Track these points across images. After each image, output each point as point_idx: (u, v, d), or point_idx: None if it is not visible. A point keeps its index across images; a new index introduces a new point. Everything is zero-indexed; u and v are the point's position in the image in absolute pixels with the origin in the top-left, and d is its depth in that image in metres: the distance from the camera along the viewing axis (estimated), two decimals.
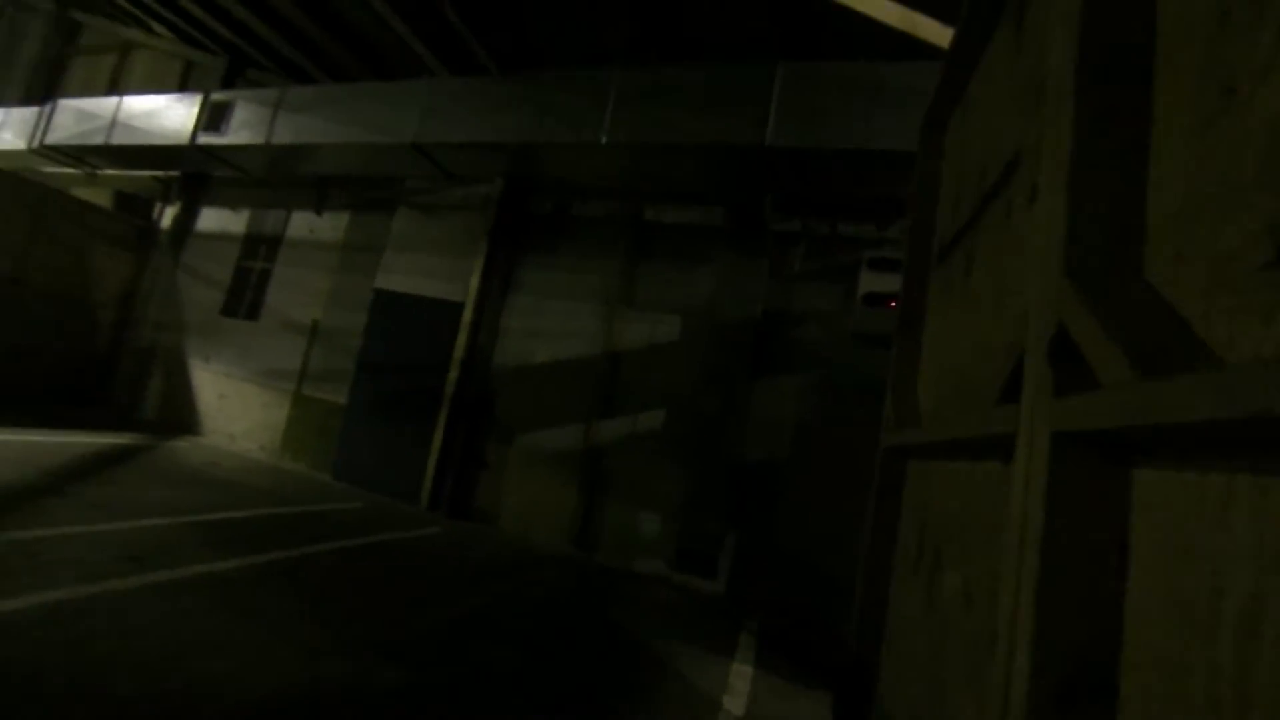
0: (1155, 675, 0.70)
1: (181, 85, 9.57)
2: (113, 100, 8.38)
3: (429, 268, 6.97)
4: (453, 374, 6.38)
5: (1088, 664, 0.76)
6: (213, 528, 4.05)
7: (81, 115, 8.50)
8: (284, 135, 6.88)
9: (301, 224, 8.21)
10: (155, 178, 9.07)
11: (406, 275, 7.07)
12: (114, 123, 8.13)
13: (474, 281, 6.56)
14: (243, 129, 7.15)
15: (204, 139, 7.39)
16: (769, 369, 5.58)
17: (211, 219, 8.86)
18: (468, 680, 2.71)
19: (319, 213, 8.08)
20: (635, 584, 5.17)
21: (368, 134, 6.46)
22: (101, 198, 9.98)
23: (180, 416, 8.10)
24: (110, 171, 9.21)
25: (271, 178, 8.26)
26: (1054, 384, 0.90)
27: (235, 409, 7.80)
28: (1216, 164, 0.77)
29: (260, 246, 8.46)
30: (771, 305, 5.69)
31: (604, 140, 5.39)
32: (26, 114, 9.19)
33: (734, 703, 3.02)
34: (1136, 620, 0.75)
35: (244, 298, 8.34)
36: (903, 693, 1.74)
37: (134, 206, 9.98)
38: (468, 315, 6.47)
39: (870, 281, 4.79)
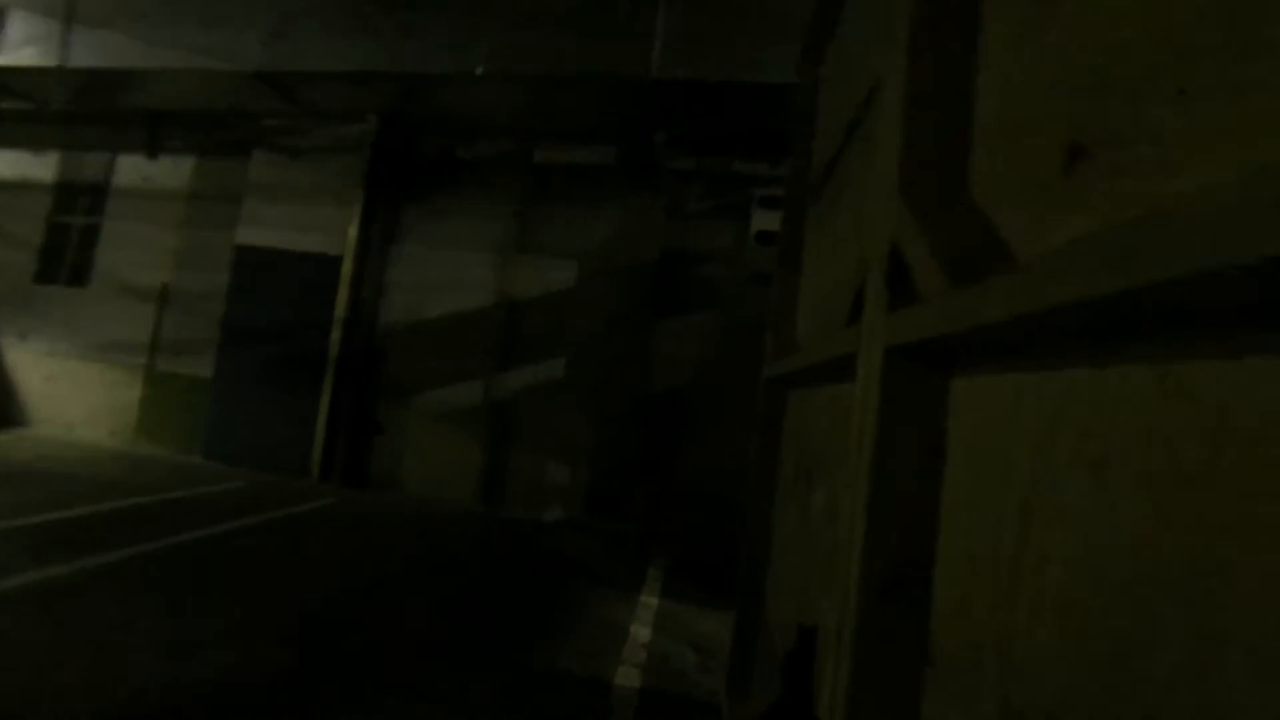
0: (959, 566, 0.75)
1: None
2: None
3: (299, 219, 6.23)
4: (335, 334, 5.87)
5: (907, 563, 0.81)
6: (40, 530, 3.50)
7: None
8: (83, 57, 5.69)
9: (132, 170, 6.99)
10: None
11: (274, 228, 6.29)
12: None
13: (352, 232, 5.97)
14: (26, 46, 5.83)
15: None
16: (671, 309, 5.62)
17: (6, 164, 7.31)
18: (367, 652, 2.61)
19: (153, 156, 6.90)
20: (546, 533, 5.21)
21: (197, 58, 5.50)
22: None
23: None
24: None
25: (82, 112, 6.89)
26: (889, 302, 0.92)
27: (69, 392, 6.74)
28: (1031, 74, 0.78)
29: (79, 198, 7.14)
30: (670, 245, 5.67)
31: (479, 71, 4.96)
32: None
33: (641, 632, 3.16)
34: (948, 518, 0.80)
35: (64, 260, 7.07)
36: (781, 603, 1.87)
37: None
38: (347, 269, 5.92)
39: (762, 220, 4.89)
